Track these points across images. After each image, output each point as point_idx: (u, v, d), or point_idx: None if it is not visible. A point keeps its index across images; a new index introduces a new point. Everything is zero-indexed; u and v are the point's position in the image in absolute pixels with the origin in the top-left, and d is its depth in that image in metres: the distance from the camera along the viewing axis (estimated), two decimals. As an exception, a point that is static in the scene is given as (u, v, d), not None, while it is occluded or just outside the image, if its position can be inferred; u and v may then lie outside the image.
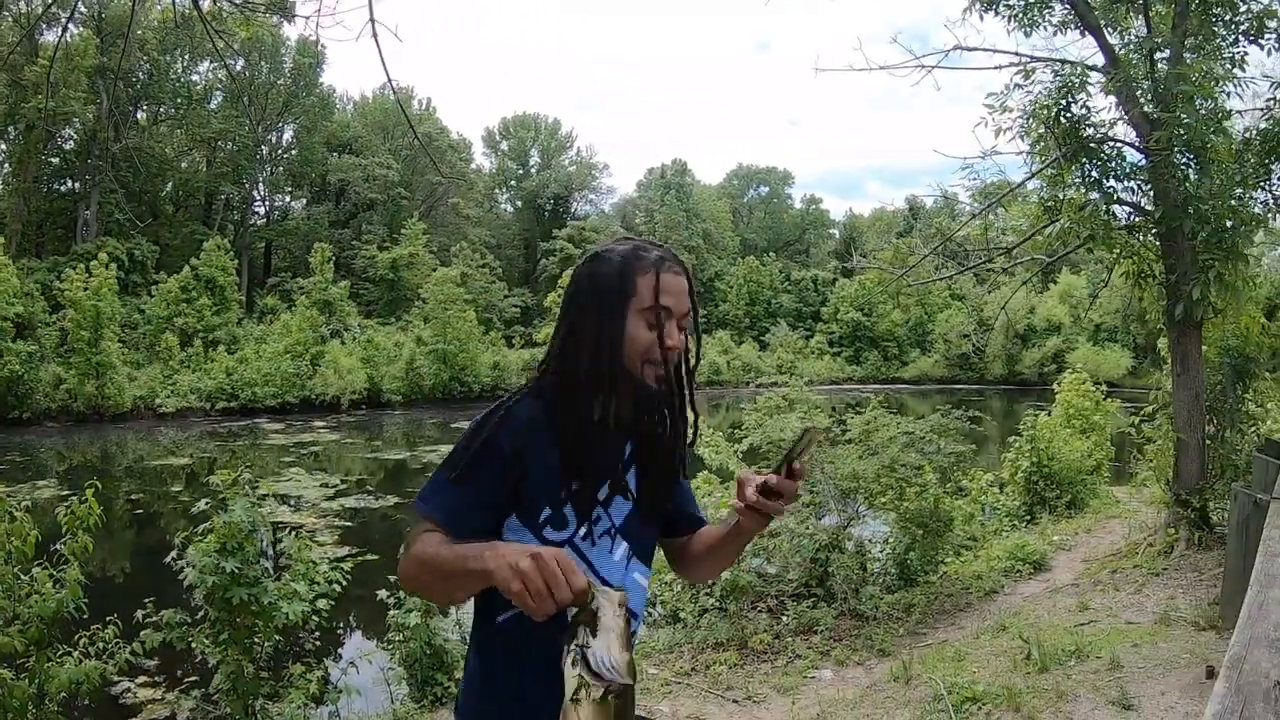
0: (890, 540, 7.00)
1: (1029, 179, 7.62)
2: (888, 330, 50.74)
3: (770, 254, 59.70)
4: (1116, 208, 7.19)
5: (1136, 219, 7.28)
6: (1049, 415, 11.26)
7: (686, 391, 1.65)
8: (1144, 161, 6.91)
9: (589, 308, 1.55)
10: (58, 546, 4.54)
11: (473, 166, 57.24)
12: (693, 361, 1.64)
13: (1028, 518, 9.64)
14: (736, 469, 7.22)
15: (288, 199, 50.61)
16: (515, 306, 48.81)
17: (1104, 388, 12.57)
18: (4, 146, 38.14)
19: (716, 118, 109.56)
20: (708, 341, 48.85)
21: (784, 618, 5.85)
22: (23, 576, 4.29)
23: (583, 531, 1.53)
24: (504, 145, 61.74)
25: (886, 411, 7.22)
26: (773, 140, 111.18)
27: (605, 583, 1.35)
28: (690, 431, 1.66)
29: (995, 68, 7.54)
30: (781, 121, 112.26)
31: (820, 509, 6.51)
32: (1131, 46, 7.34)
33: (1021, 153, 7.38)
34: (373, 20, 2.77)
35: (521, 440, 1.51)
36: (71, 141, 39.31)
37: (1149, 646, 4.68)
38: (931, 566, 6.84)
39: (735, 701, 4.68)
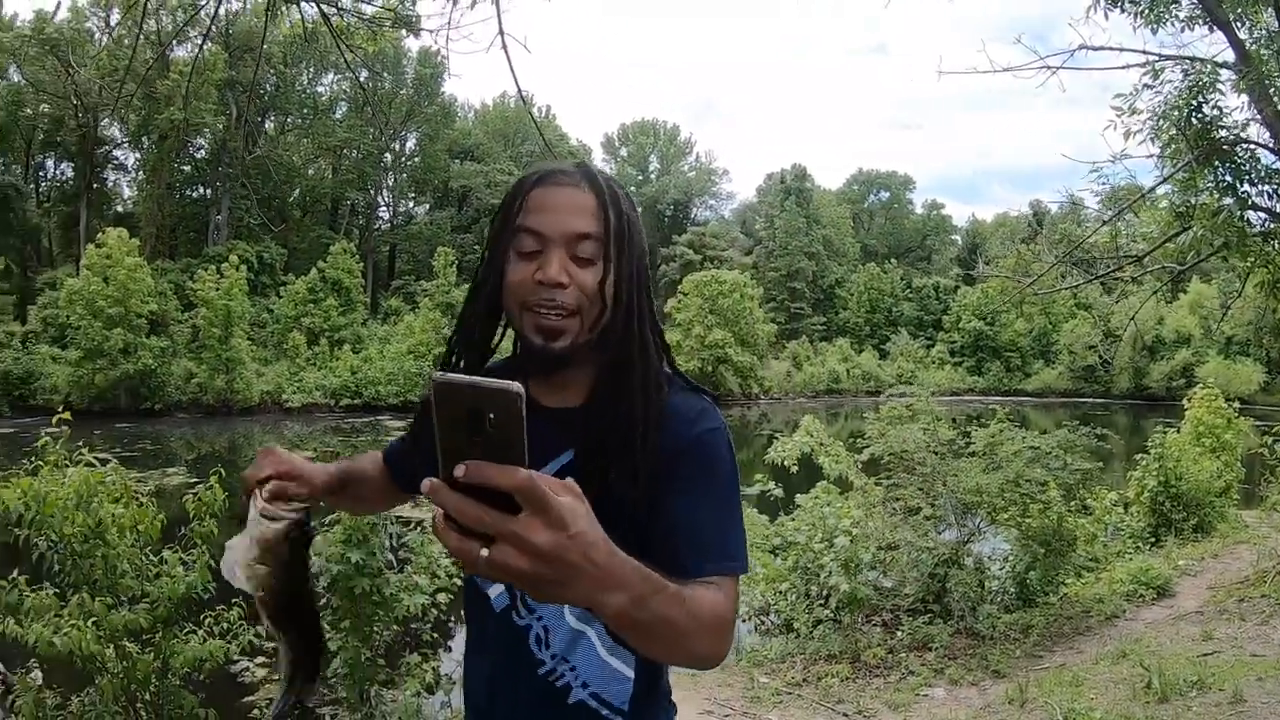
0: (1010, 558, 6.75)
1: (1160, 184, 7.22)
2: (1011, 340, 49.12)
3: (891, 260, 58.77)
4: (1251, 214, 6.74)
5: (1272, 225, 6.80)
6: (1178, 433, 10.62)
7: (635, 353, 1.21)
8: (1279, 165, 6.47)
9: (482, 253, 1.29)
10: (185, 531, 4.78)
11: (594, 172, 58.42)
12: (618, 299, 1.20)
13: (1152, 540, 9.12)
14: (857, 480, 7.08)
15: (411, 204, 52.80)
16: None
17: (1235, 404, 11.78)
18: (139, 155, 41.02)
19: (835, 122, 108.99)
20: (827, 350, 48.33)
21: (899, 633, 5.72)
22: (151, 558, 4.52)
23: None
24: (623, 151, 63.09)
25: (1011, 425, 6.96)
26: (892, 144, 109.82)
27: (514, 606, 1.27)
28: (647, 408, 1.18)
29: (1122, 67, 7.17)
30: (900, 125, 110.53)
31: (940, 523, 6.32)
32: (1262, 41, 6.88)
33: (1152, 155, 7.00)
34: (502, 33, 2.83)
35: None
36: (203, 150, 41.89)
37: (1274, 681, 4.36)
38: (1052, 587, 6.55)
39: (845, 715, 4.59)
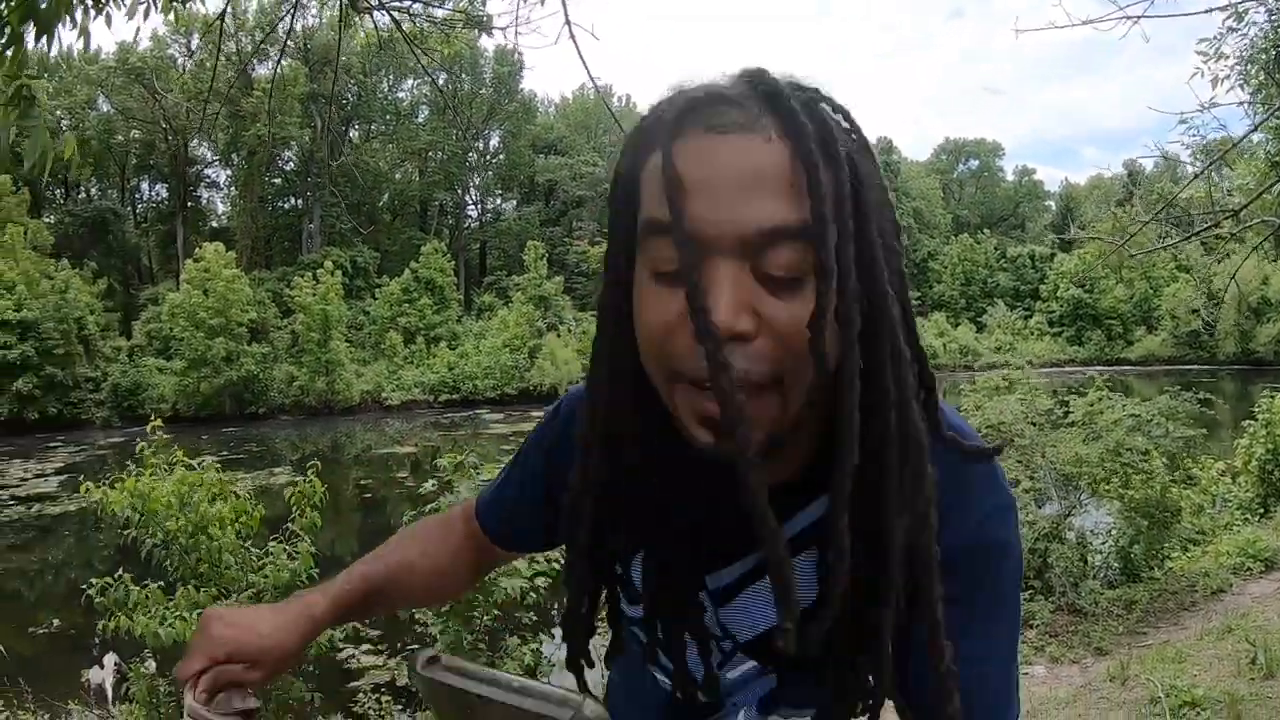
0: (1113, 531, 6.54)
1: (1251, 131, 6.83)
2: (1111, 307, 47.10)
3: (984, 230, 57.11)
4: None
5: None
6: (1285, 398, 10.05)
7: (892, 438, 0.69)
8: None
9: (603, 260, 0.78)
10: (289, 524, 5.04)
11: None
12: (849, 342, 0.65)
13: (1261, 511, 8.66)
14: None
15: (499, 201, 53.65)
16: None
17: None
18: (230, 172, 42.96)
19: (916, 92, 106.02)
20: (923, 325, 47.05)
21: (999, 610, 5.60)
22: (254, 549, 4.77)
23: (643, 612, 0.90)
24: None
25: (1111, 393, 6.74)
26: (976, 111, 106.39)
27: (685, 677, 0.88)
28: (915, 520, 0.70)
29: (1205, 11, 6.80)
30: (982, 91, 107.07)
31: (1040, 495, 6.16)
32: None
33: (1243, 103, 6.63)
34: (569, 23, 2.86)
35: (547, 459, 0.98)
36: (291, 163, 43.46)
37: None
38: (1157, 561, 6.33)
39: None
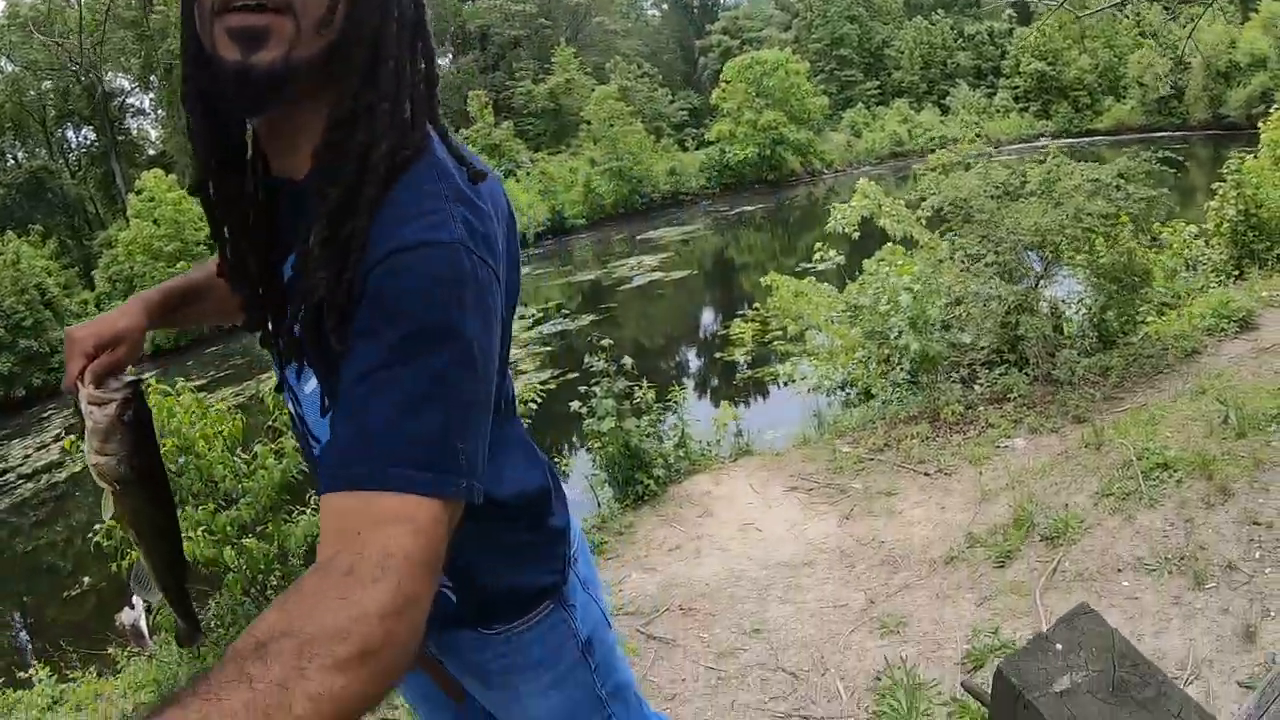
0: (1085, 299, 6.52)
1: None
2: (1076, 79, 45.86)
3: (938, 11, 54.84)
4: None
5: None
6: (1255, 158, 9.96)
7: (359, 102, 0.84)
8: None
9: None
10: (269, 423, 5.04)
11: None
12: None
13: (1235, 272, 8.73)
14: (922, 237, 6.89)
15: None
16: (682, 110, 48.48)
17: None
18: (152, 95, 41.25)
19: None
20: (885, 114, 46.69)
21: (976, 387, 5.68)
22: (241, 455, 4.79)
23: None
24: None
25: (1067, 159, 6.58)
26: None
27: (306, 434, 1.08)
28: (355, 210, 0.82)
29: None
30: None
31: (1007, 269, 6.11)
32: None
33: None
34: None
35: None
36: (216, 66, 41.44)
37: None
38: (1131, 327, 6.35)
39: (926, 474, 4.66)
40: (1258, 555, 3.17)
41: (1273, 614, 2.83)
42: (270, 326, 1.00)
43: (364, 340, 0.79)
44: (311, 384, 0.96)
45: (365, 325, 0.79)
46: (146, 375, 4.57)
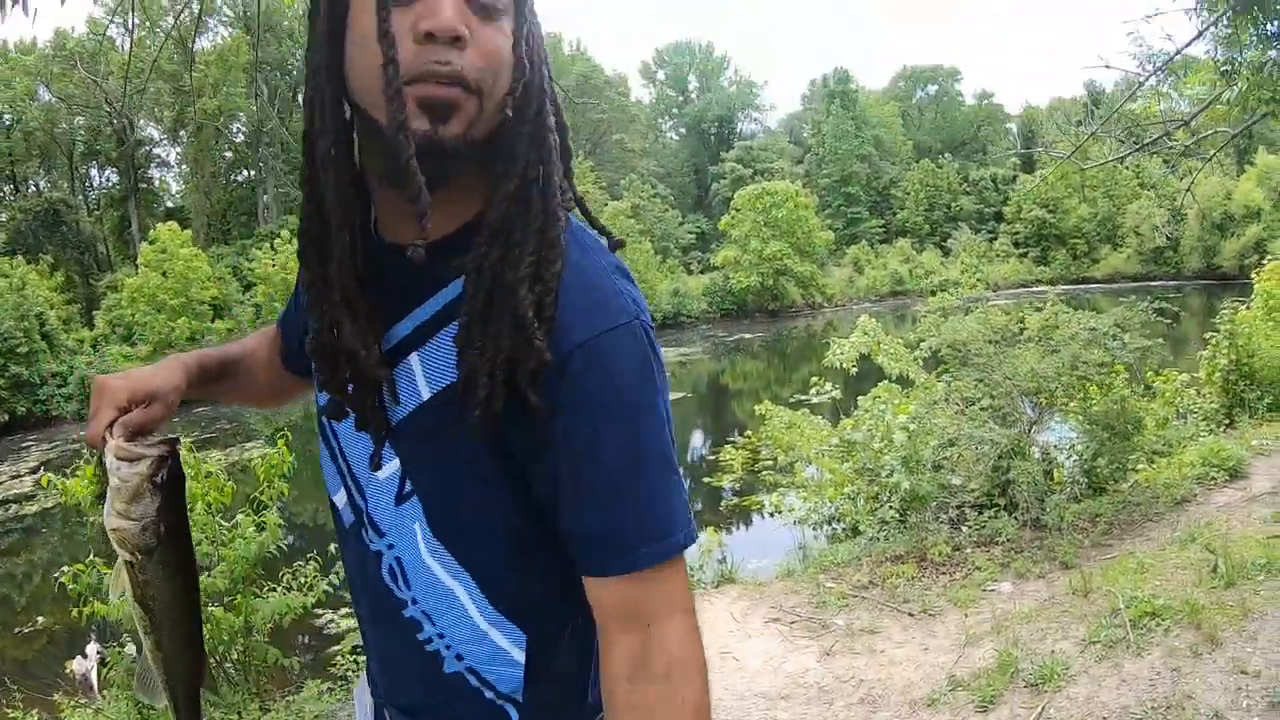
0: (1076, 446, 6.56)
1: (1196, 38, 6.77)
2: (1075, 227, 47.31)
3: (945, 155, 56.72)
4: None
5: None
6: (1248, 309, 10.19)
7: (536, 162, 0.86)
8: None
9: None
10: (254, 495, 4.99)
11: (633, 99, 58.17)
12: (532, 65, 0.85)
13: (1226, 421, 8.82)
14: (918, 377, 6.96)
15: (447, 160, 53.23)
16: (690, 233, 49.50)
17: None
18: (179, 150, 42.08)
19: (870, 22, 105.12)
20: (888, 252, 47.62)
21: (964, 529, 5.66)
22: (224, 524, 4.73)
23: (324, 398, 0.98)
24: (660, 75, 62.70)
25: (1066, 307, 6.74)
26: (931, 38, 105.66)
27: (356, 487, 0.98)
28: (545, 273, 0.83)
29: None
30: (938, 17, 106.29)
31: (1000, 414, 6.16)
32: None
33: (1189, 10, 6.56)
34: None
35: None
36: (241, 134, 42.45)
37: None
38: (1122, 474, 6.38)
39: (910, 615, 4.59)
40: (1245, 704, 3.13)
41: (1260, 767, 2.76)
42: (358, 401, 0.92)
43: (574, 421, 0.83)
44: (391, 468, 0.93)
45: (572, 405, 0.82)
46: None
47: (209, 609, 4.37)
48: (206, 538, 4.57)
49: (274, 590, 4.94)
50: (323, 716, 4.24)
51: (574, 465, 0.83)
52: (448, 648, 0.95)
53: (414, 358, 0.89)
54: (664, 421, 0.86)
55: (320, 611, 5.79)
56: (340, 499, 1.01)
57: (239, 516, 4.85)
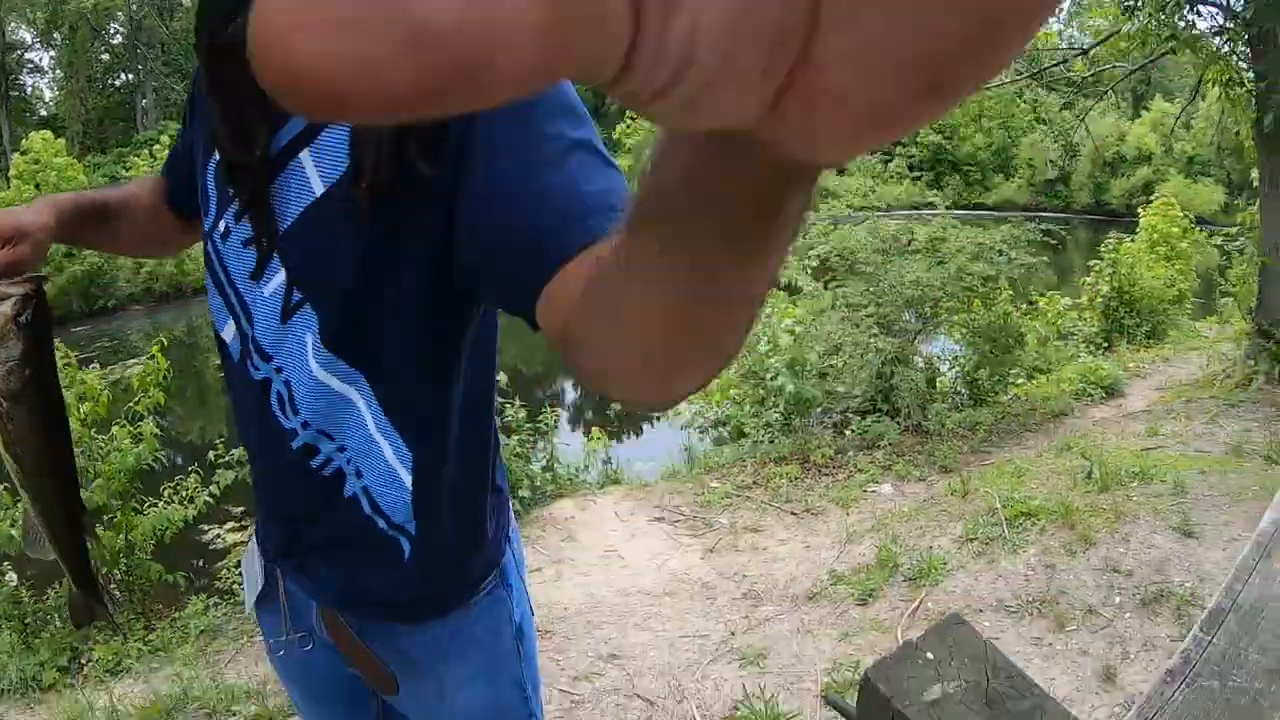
0: (959, 357, 6.76)
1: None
2: (970, 154, 48.46)
3: None
4: (1202, 7, 6.47)
5: (1225, 23, 6.56)
6: (1133, 241, 10.70)
7: None
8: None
9: None
10: (129, 406, 4.74)
11: None
12: None
13: (1105, 345, 9.29)
14: (808, 285, 7.00)
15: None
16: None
17: (1193, 222, 11.82)
18: (52, 54, 38.95)
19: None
20: None
21: (847, 433, 5.78)
22: (99, 437, 4.49)
23: (212, 221, 0.95)
24: None
25: (956, 223, 6.86)
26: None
27: (242, 311, 0.93)
28: None
29: None
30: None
31: (885, 321, 6.25)
32: None
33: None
34: None
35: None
36: (119, 36, 39.47)
37: (1217, 476, 4.44)
38: (1002, 386, 6.62)
39: (793, 514, 4.71)
40: (1118, 600, 3.31)
41: (1131, 656, 2.95)
42: (252, 195, 0.86)
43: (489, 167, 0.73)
44: (277, 281, 0.88)
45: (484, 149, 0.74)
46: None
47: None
48: (82, 452, 4.33)
49: (154, 505, 4.75)
50: (209, 631, 4.10)
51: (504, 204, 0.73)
52: (348, 461, 0.92)
53: (305, 154, 0.83)
54: (586, 118, 0.76)
55: (206, 527, 5.58)
56: (229, 332, 0.97)
57: (114, 428, 4.63)
